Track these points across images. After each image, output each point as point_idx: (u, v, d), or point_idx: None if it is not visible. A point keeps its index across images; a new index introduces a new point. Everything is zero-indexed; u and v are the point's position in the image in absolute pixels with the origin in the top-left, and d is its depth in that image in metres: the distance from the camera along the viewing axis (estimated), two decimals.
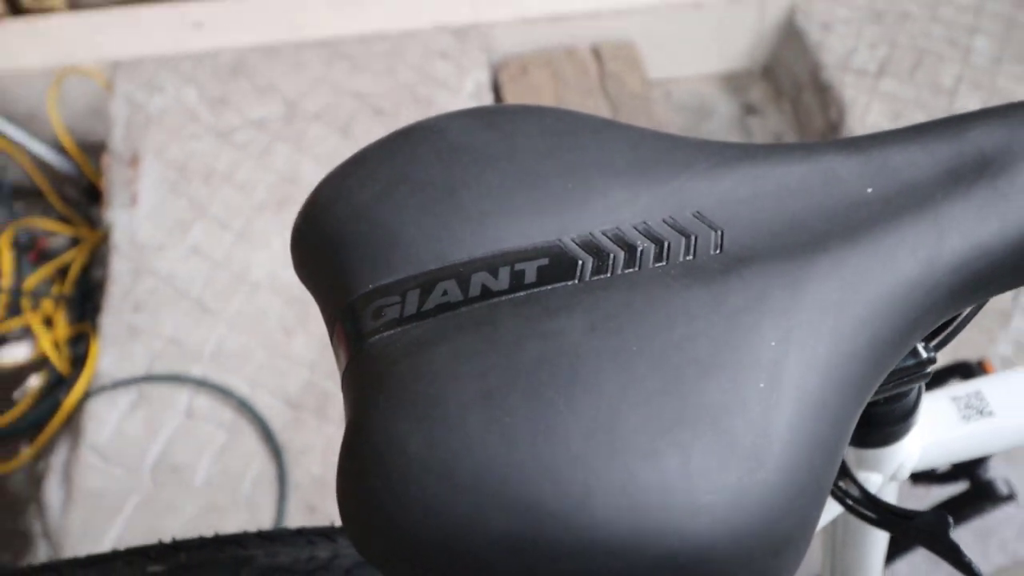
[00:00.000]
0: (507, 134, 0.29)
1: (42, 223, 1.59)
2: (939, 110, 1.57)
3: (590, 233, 0.27)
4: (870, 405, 0.37)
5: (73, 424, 1.35)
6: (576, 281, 0.26)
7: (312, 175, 1.51)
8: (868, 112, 1.57)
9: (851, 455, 0.41)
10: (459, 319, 0.25)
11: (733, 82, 1.85)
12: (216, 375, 1.30)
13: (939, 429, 0.42)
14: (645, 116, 1.64)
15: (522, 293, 0.25)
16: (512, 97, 1.67)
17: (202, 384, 1.29)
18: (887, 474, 0.42)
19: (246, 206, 1.48)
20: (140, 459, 1.29)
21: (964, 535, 1.28)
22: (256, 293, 1.39)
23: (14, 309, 1.48)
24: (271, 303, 1.38)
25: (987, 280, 0.28)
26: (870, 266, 0.26)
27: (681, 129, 1.76)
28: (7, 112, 1.57)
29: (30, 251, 1.55)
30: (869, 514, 0.38)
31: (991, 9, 1.70)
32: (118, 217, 1.49)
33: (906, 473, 0.42)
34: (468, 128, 0.30)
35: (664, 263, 0.27)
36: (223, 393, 1.27)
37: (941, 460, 0.42)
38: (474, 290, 0.26)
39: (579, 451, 0.22)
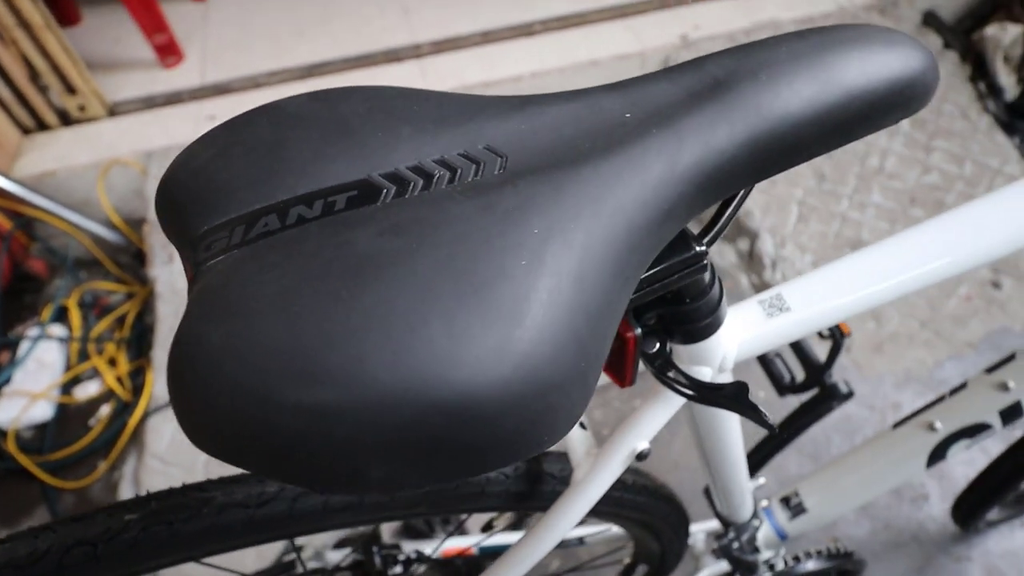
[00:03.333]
0: (332, 104, 0.28)
1: (101, 285, 1.56)
2: None
3: (395, 168, 0.26)
4: (680, 305, 0.35)
5: (137, 439, 1.32)
6: (378, 204, 0.24)
7: None
8: None
9: (683, 352, 0.39)
10: (274, 242, 0.23)
11: None
12: None
13: (750, 326, 0.40)
14: None
15: (330, 217, 0.24)
16: None
17: None
18: (715, 366, 0.40)
19: None
20: (194, 460, 1.27)
21: (834, 436, 1.25)
22: None
23: (84, 355, 1.45)
24: None
25: (726, 176, 0.27)
26: (622, 169, 0.25)
27: None
28: (66, 201, 1.55)
29: (94, 307, 1.52)
30: (691, 392, 0.36)
31: None
32: (160, 272, 1.47)
33: (730, 364, 0.40)
34: (300, 102, 0.28)
35: (455, 184, 0.25)
36: None
37: (756, 350, 0.41)
38: (291, 219, 0.24)
39: (356, 327, 0.20)
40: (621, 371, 0.34)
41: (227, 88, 1.77)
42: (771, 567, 0.71)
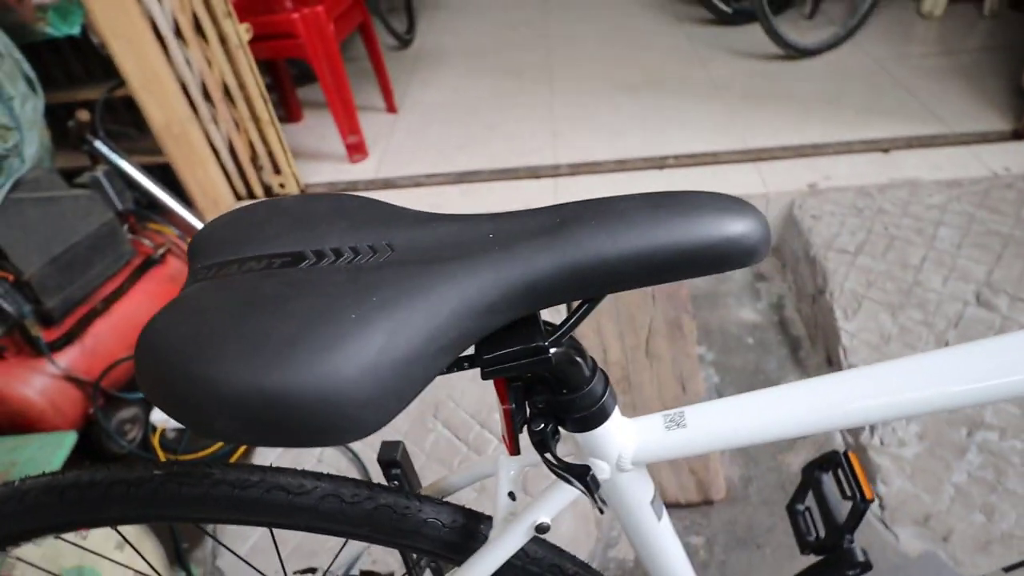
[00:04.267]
0: (306, 203, 0.41)
1: None
2: (907, 282, 1.51)
3: (321, 248, 0.37)
4: (559, 394, 0.42)
5: (248, 455, 1.51)
6: (299, 267, 0.36)
7: None
8: (846, 280, 1.54)
9: (581, 442, 0.45)
10: (227, 280, 0.36)
11: None
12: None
13: (647, 434, 0.45)
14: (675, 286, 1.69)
15: (265, 271, 0.36)
16: None
17: None
18: (611, 462, 0.45)
19: None
20: None
21: None
22: None
23: None
24: None
25: (546, 290, 0.35)
26: (458, 271, 0.34)
27: (705, 291, 1.78)
28: None
29: None
30: (555, 465, 0.42)
31: (955, 208, 1.64)
32: None
33: (627, 464, 0.45)
34: (290, 200, 0.41)
35: (352, 261, 0.36)
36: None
37: (653, 457, 0.45)
38: (243, 268, 0.36)
39: (238, 334, 0.31)
40: (508, 439, 0.42)
41: (393, 184, 2.08)
42: None
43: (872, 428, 1.34)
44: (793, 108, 2.13)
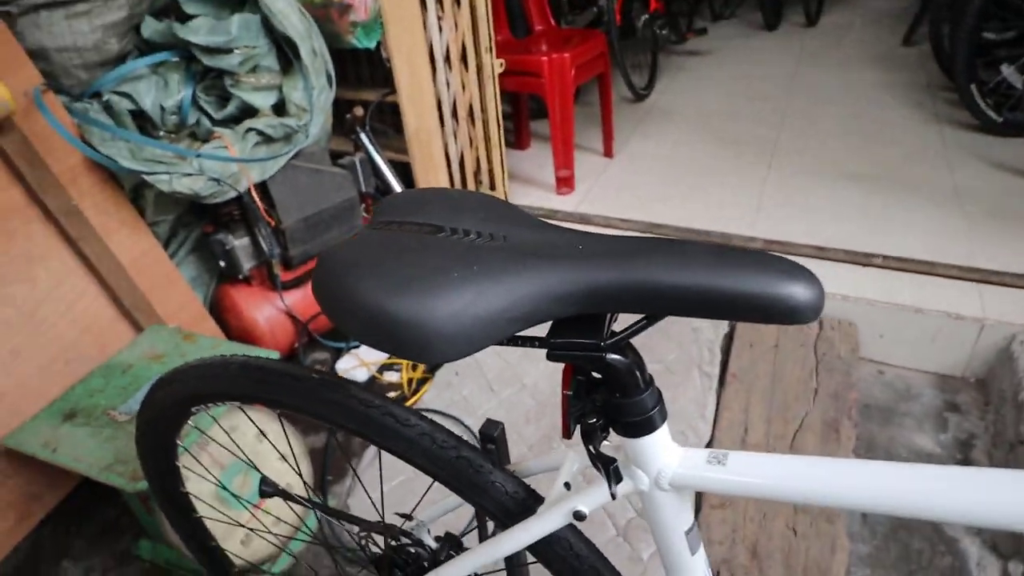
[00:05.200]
0: (463, 196, 0.51)
1: None
2: None
3: (457, 227, 0.48)
4: (615, 398, 0.48)
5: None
6: (438, 236, 0.46)
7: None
8: None
9: (628, 448, 0.50)
10: (392, 233, 0.47)
11: (945, 382, 1.67)
12: (476, 424, 1.56)
13: (689, 461, 0.49)
14: (842, 378, 1.59)
15: (417, 233, 0.47)
16: (744, 334, 1.73)
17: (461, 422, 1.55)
18: (651, 476, 0.49)
19: None
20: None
21: None
22: (523, 391, 1.64)
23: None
24: (524, 400, 1.61)
25: (606, 298, 0.41)
26: (545, 267, 0.42)
27: (881, 403, 1.63)
28: None
29: None
30: (594, 460, 0.47)
31: None
32: None
33: (665, 482, 0.49)
34: (451, 192, 0.52)
35: (473, 239, 0.46)
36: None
37: (689, 484, 0.48)
38: (405, 227, 0.48)
39: (381, 272, 0.42)
40: (563, 423, 0.48)
41: (588, 219, 2.19)
42: None
43: None
44: None
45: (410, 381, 1.84)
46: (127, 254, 1.46)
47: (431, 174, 2.21)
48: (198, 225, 1.70)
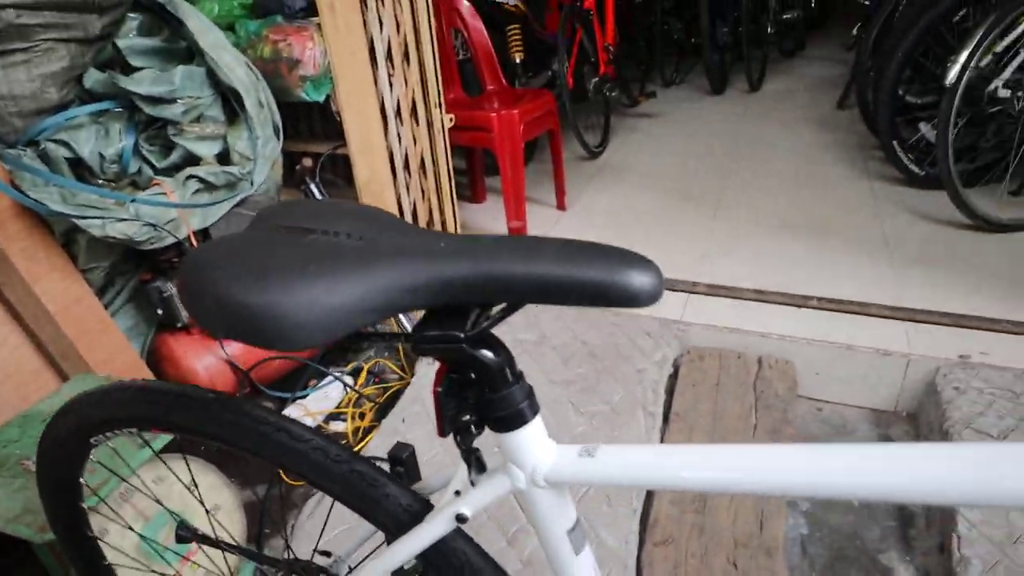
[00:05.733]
0: (345, 204, 0.53)
1: (389, 363, 2.04)
2: None
3: (328, 229, 0.49)
4: (483, 392, 0.48)
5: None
6: (307, 237, 0.48)
7: (541, 379, 1.74)
8: None
9: (503, 445, 0.50)
10: (258, 234, 0.48)
11: (879, 416, 1.70)
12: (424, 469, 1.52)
13: (563, 458, 0.49)
14: (779, 415, 1.60)
15: (286, 234, 0.48)
16: (688, 374, 1.75)
17: None
18: (527, 472, 0.49)
19: None
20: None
21: None
22: None
23: (357, 403, 1.90)
24: None
25: (462, 289, 0.43)
26: (401, 261, 0.43)
27: (818, 437, 1.65)
28: None
29: (376, 376, 2.00)
30: (463, 450, 0.47)
31: None
32: (421, 371, 1.87)
33: (541, 479, 0.49)
34: (340, 201, 0.54)
35: (336, 239, 0.47)
36: None
37: (564, 478, 0.48)
38: (275, 229, 0.49)
39: (230, 269, 0.43)
40: (437, 421, 0.48)
41: None
42: None
43: None
44: (965, 278, 1.95)
45: (356, 430, 1.80)
46: (55, 301, 1.43)
47: None
48: (136, 274, 1.68)
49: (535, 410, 0.50)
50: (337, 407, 1.88)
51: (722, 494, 0.46)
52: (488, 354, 0.47)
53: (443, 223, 2.28)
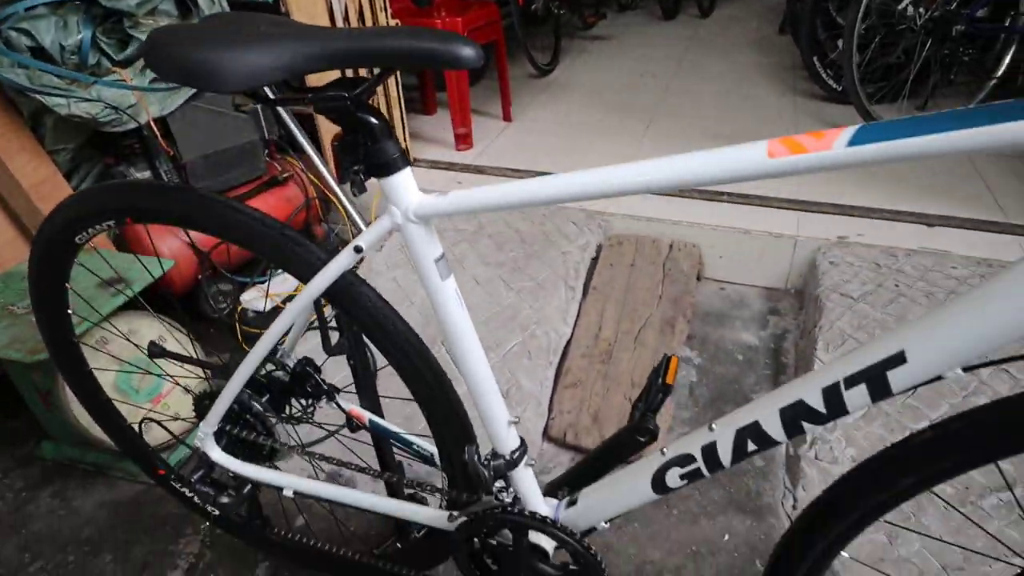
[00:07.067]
0: (259, 15, 0.69)
1: None
2: None
3: (257, 25, 0.65)
4: (366, 144, 0.66)
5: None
6: (241, 27, 0.64)
7: (476, 261, 1.94)
8: (839, 320, 1.60)
9: (382, 187, 0.68)
10: (200, 24, 0.64)
11: (771, 294, 1.95)
12: None
13: (426, 200, 0.68)
14: (682, 287, 1.83)
15: (220, 24, 0.64)
16: (607, 256, 1.96)
17: None
18: (402, 209, 0.68)
19: None
20: None
21: None
22: (411, 307, 1.81)
23: None
24: (412, 315, 1.78)
25: (342, 58, 0.60)
26: (307, 37, 0.60)
27: (718, 311, 1.89)
28: (358, 205, 2.25)
29: None
30: (345, 175, 0.66)
31: (974, 283, 1.64)
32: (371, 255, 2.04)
33: (411, 215, 0.68)
34: (257, 15, 0.70)
35: (267, 28, 0.63)
36: None
37: (428, 212, 0.67)
38: (212, 22, 0.65)
39: (181, 38, 0.59)
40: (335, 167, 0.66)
41: (483, 171, 2.39)
42: (499, 496, 0.84)
43: (812, 442, 1.40)
44: (858, 177, 2.18)
45: None
46: (27, 178, 1.56)
47: (335, 128, 2.36)
48: (100, 159, 1.80)
49: (407, 162, 0.68)
50: (296, 289, 2.06)
51: (536, 206, 0.65)
52: (369, 116, 0.64)
53: (391, 128, 2.41)
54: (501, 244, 2.02)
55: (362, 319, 0.79)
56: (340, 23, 2.19)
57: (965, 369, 0.58)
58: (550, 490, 0.91)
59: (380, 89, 2.34)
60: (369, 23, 2.22)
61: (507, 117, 2.85)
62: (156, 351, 1.11)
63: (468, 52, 0.58)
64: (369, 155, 0.67)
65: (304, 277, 0.77)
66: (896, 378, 0.58)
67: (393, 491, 1.09)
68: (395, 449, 1.03)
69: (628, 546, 1.29)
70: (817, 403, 0.63)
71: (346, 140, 0.67)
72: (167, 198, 0.80)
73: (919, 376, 0.57)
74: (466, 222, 2.12)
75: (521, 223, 2.08)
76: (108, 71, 1.66)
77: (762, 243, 1.90)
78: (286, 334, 1.01)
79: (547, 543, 0.88)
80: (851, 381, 0.61)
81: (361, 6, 2.20)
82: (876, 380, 0.59)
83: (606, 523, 0.86)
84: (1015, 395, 0.57)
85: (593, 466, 0.90)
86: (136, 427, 1.16)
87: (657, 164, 0.58)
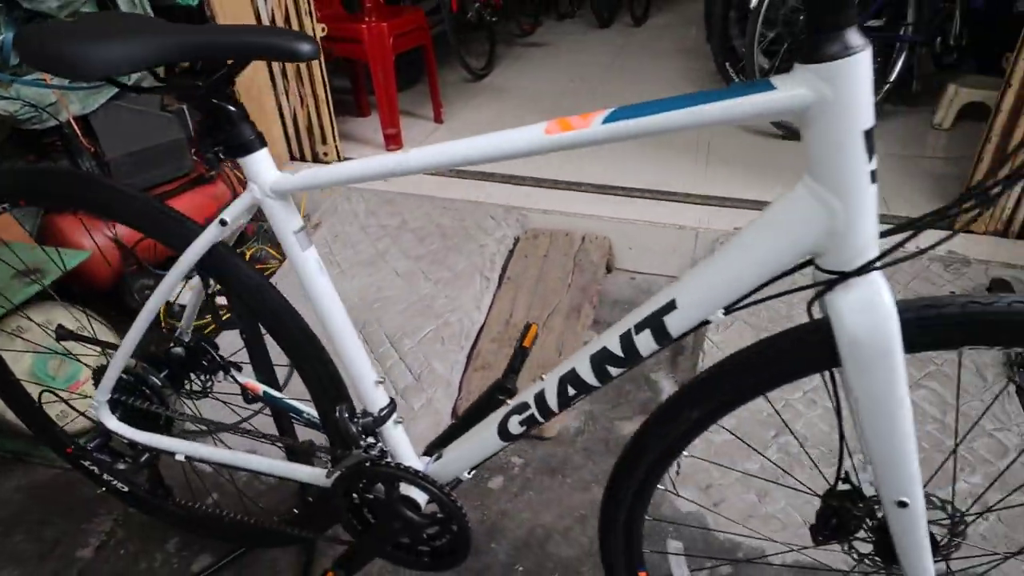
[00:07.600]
0: (130, 15, 0.76)
1: (271, 249, 2.25)
2: (779, 313, 1.67)
3: (125, 23, 0.73)
4: (224, 131, 0.74)
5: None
6: (109, 26, 0.72)
7: (398, 255, 2.02)
8: None
9: (242, 166, 0.77)
10: (74, 22, 0.72)
11: None
12: None
13: (282, 177, 0.76)
14: (591, 276, 1.95)
15: (90, 21, 0.72)
16: (522, 248, 2.07)
17: None
18: (262, 187, 0.77)
19: (366, 254, 2.01)
20: None
21: None
22: None
23: None
24: None
25: (192, 51, 0.68)
26: (163, 34, 0.68)
27: (627, 299, 2.01)
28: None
29: (260, 262, 2.21)
30: (205, 156, 0.74)
31: None
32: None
33: (268, 190, 0.76)
34: (129, 15, 0.77)
35: (128, 24, 0.71)
36: None
37: (282, 188, 0.76)
38: (85, 21, 0.72)
39: (57, 34, 0.67)
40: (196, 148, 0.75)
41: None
42: (368, 450, 0.92)
43: None
44: (762, 174, 2.33)
45: None
46: None
47: (265, 129, 2.41)
48: (21, 157, 1.82)
49: (263, 144, 0.76)
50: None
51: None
52: (225, 103, 0.73)
53: (321, 127, 2.48)
54: (423, 238, 2.11)
55: (237, 289, 0.87)
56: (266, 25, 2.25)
57: (726, 312, 0.69)
58: (429, 451, 1.01)
59: (308, 90, 2.41)
60: (295, 26, 2.29)
61: (438, 119, 2.95)
62: (63, 333, 1.17)
63: (305, 47, 0.67)
64: (228, 138, 0.75)
65: (179, 249, 0.85)
66: (671, 322, 0.70)
67: (294, 458, 1.17)
68: (292, 417, 1.11)
69: (523, 512, 1.39)
70: (616, 348, 0.74)
71: (205, 123, 0.75)
72: (44, 180, 0.87)
73: (689, 319, 0.69)
74: (390, 217, 2.20)
75: (443, 217, 2.18)
76: (28, 71, 1.69)
77: (668, 235, 2.03)
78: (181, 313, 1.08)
79: (419, 495, 0.97)
80: (639, 327, 0.72)
81: (287, 11, 2.27)
82: (656, 326, 0.70)
83: (468, 473, 0.95)
84: (772, 336, 0.69)
85: (463, 426, 0.99)
86: (37, 400, 1.20)
87: (459, 144, 0.68)
